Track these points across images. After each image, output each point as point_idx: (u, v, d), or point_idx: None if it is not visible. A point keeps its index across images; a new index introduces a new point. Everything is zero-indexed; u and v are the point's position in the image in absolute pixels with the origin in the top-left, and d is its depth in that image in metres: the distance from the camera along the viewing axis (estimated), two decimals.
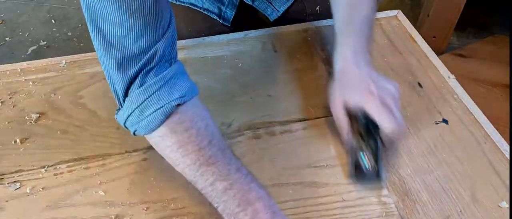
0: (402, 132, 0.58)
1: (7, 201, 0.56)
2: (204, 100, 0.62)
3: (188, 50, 0.78)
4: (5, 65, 0.75)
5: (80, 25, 1.81)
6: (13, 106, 0.68)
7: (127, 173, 0.60)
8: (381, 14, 0.86)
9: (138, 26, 0.49)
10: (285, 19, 0.86)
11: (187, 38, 0.80)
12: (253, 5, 0.85)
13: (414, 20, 1.73)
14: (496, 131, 0.65)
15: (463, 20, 1.46)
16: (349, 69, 0.61)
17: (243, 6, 0.85)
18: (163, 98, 0.51)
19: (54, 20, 1.83)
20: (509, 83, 1.33)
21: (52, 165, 0.60)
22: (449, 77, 0.73)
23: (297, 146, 0.63)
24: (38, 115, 0.67)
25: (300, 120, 0.67)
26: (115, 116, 0.55)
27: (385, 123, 0.56)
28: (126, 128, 0.55)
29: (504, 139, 0.64)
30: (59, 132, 0.65)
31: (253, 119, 0.67)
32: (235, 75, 0.74)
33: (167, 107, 0.51)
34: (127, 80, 0.51)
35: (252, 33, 0.82)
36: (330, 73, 0.74)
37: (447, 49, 1.64)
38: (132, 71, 0.51)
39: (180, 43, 0.79)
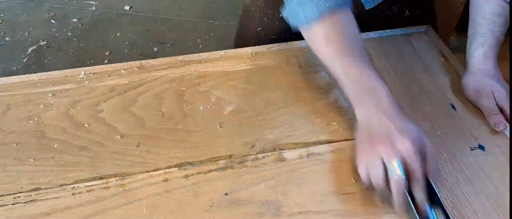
0: None
1: None
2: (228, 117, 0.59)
3: (209, 63, 0.76)
4: (22, 76, 0.73)
5: (80, 25, 1.80)
6: (31, 121, 0.66)
7: (146, 195, 0.57)
8: (411, 30, 0.83)
9: None
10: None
11: None
12: None
13: None
14: None
15: (463, 20, 1.44)
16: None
17: None
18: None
19: (54, 20, 1.82)
20: (509, 83, 1.31)
21: (70, 184, 0.58)
22: None
23: (324, 170, 0.60)
24: (57, 129, 0.65)
25: (328, 142, 0.64)
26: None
27: None
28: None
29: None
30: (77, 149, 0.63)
31: (277, 139, 0.64)
32: (258, 91, 0.71)
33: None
34: None
35: (275, 46, 0.79)
36: None
37: None
38: None
39: (200, 55, 0.77)
